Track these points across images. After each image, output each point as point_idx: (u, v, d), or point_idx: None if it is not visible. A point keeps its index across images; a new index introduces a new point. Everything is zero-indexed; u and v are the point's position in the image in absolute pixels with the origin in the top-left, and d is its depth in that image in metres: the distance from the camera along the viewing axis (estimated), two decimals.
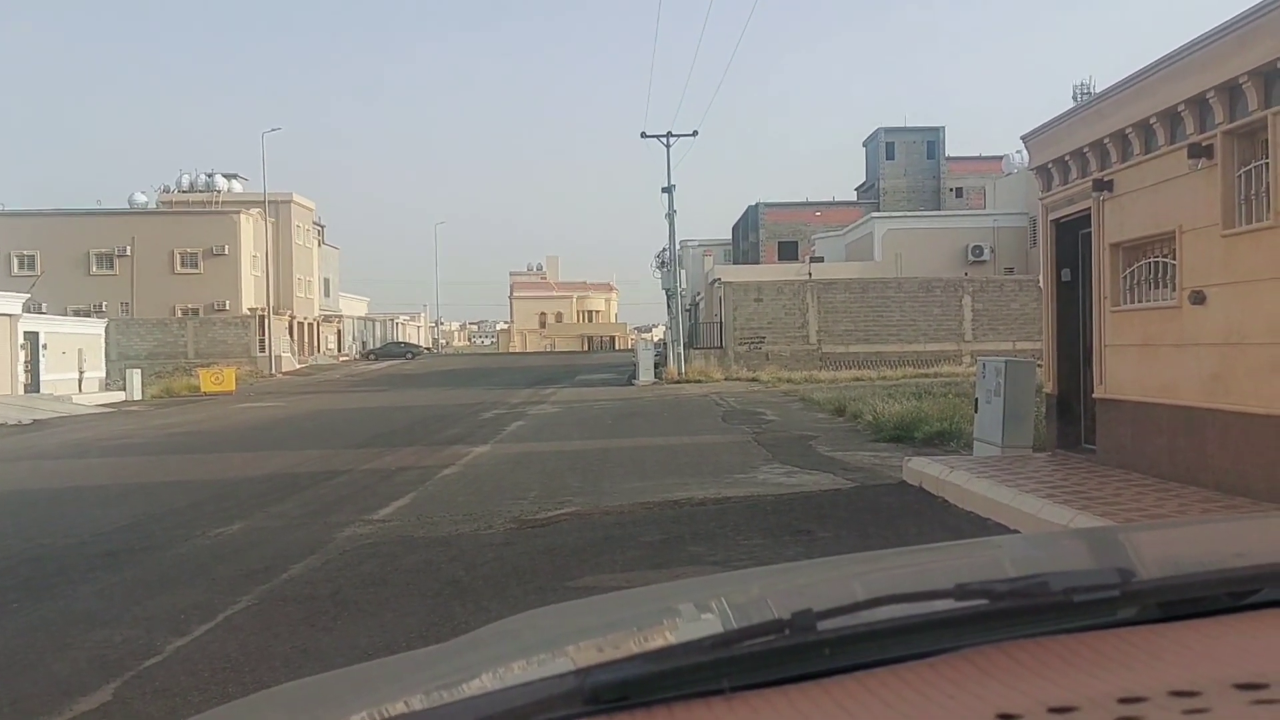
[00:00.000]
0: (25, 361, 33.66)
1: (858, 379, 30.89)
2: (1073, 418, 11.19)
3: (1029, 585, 0.98)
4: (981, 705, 0.79)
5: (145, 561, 8.16)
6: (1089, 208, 10.44)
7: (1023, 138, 12.12)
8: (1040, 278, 12.46)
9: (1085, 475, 9.51)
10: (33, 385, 33.88)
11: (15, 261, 50.04)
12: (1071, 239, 11.26)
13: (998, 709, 0.78)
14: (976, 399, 11.84)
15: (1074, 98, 45.55)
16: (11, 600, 6.99)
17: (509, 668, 1.10)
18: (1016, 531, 7.74)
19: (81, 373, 37.01)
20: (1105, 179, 10.05)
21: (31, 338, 34.22)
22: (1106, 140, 9.96)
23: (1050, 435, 11.39)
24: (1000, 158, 52.05)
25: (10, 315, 32.97)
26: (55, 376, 35.15)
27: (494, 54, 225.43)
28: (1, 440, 21.63)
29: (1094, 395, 10.46)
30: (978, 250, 42.96)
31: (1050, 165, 11.35)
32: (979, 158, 60.06)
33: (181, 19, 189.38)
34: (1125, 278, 9.99)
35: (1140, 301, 9.77)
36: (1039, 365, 12.13)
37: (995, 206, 46.60)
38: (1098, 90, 12.04)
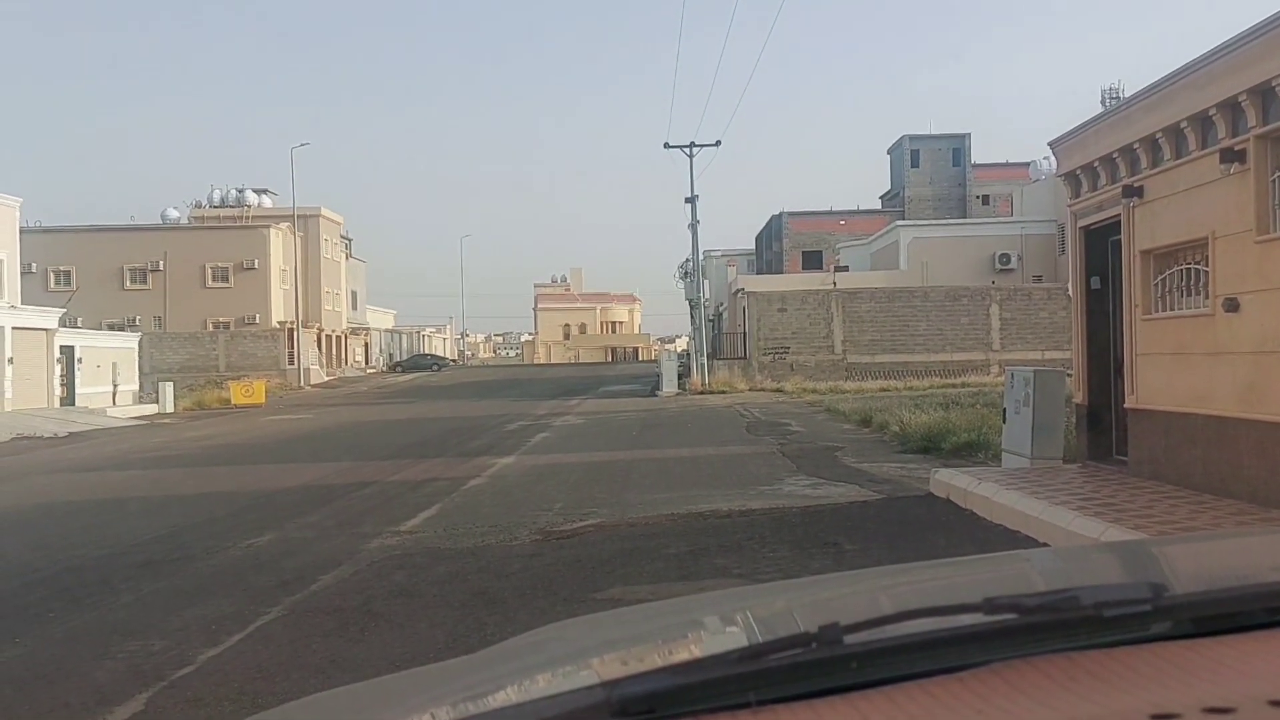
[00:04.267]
0: (61, 375, 34.30)
1: (884, 389, 30.66)
2: (1104, 428, 11.03)
3: (1059, 600, 0.97)
4: None
5: (180, 572, 8.27)
6: (1119, 214, 10.31)
7: (1051, 144, 12.01)
8: (1069, 286, 12.31)
9: (1117, 487, 9.36)
10: (68, 398, 34.50)
11: (52, 277, 50.88)
12: (1101, 246, 11.13)
13: None
14: (1005, 409, 11.70)
15: (1103, 102, 45.06)
16: (52, 609, 7.11)
17: (536, 679, 1.11)
18: (1047, 545, 7.63)
19: (116, 386, 37.60)
20: (1135, 185, 9.92)
21: (67, 352, 34.84)
22: (1136, 145, 9.84)
23: (1081, 446, 11.23)
24: (1028, 164, 51.51)
25: (47, 330, 33.66)
26: (90, 390, 35.74)
27: (517, 66, 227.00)
28: (40, 452, 21.98)
29: (1125, 405, 10.31)
30: (1005, 258, 42.57)
31: (1079, 171, 11.23)
32: (1006, 164, 59.49)
33: (211, 37, 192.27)
34: (1157, 285, 9.86)
35: (1172, 309, 9.63)
36: (1069, 375, 11.97)
37: (1023, 214, 46.15)
38: (1127, 95, 11.90)
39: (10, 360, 31.31)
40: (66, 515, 12.18)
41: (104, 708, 4.93)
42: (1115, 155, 10.31)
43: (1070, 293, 12.21)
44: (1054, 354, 31.92)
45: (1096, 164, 10.76)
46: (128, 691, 5.15)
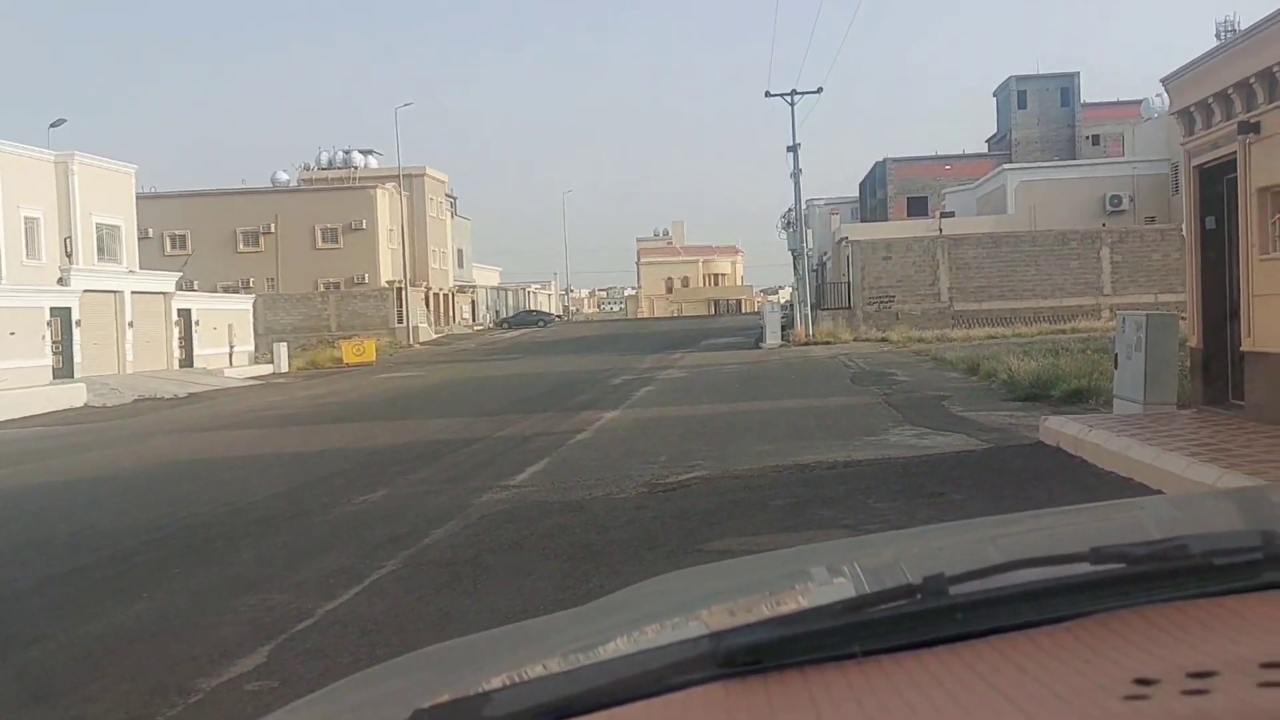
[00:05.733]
0: (180, 338, 35.37)
1: (991, 337, 29.99)
2: (1219, 372, 10.74)
3: (1167, 549, 0.95)
4: (1118, 670, 0.77)
5: (297, 528, 8.47)
6: (1234, 152, 9.99)
7: (1163, 80, 11.66)
8: (1183, 227, 11.96)
9: (1233, 432, 9.14)
10: (187, 360, 35.56)
11: (168, 241, 51.88)
12: (1216, 185, 10.79)
13: (1134, 674, 0.76)
14: (1116, 355, 11.50)
15: (1217, 36, 42.53)
16: (176, 565, 7.39)
17: (644, 631, 1.14)
18: (1159, 492, 7.54)
19: (232, 347, 38.47)
20: (1252, 121, 9.61)
21: (185, 315, 35.83)
22: (1253, 80, 9.52)
23: (1195, 391, 10.97)
24: (1139, 102, 48.98)
25: (165, 293, 34.73)
26: (208, 351, 36.68)
27: (617, 19, 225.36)
28: (161, 413, 22.95)
29: (1241, 348, 10.06)
30: (1116, 200, 40.89)
31: (1192, 108, 10.87)
32: (1116, 103, 56.67)
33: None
34: (1274, 224, 9.57)
35: None
36: (1182, 318, 11.68)
37: (1134, 154, 44.15)
38: (1243, 27, 11.40)
39: (130, 324, 32.34)
40: (188, 474, 12.61)
41: (228, 660, 5.08)
42: (1230, 91, 9.95)
43: (1184, 234, 11.85)
44: (1167, 297, 30.76)
45: (1211, 100, 10.40)
46: (250, 644, 5.30)
